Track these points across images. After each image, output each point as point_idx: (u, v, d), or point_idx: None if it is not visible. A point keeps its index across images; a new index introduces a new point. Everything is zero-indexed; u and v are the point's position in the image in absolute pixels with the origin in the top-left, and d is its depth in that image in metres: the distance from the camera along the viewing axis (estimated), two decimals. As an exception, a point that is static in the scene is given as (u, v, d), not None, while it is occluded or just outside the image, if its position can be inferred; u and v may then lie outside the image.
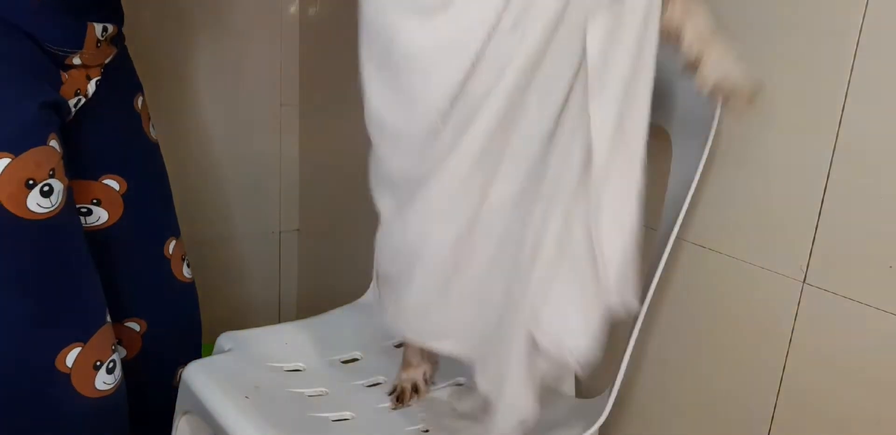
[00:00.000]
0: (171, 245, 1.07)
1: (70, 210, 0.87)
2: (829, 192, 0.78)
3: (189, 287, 1.12)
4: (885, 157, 0.74)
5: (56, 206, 0.84)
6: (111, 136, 0.97)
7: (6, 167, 0.80)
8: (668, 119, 0.90)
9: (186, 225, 1.62)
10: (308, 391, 0.99)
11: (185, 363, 1.12)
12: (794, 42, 0.80)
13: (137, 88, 1.02)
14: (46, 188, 0.83)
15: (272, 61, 1.63)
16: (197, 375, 0.97)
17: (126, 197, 0.99)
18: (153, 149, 1.04)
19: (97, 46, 0.90)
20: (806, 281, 0.81)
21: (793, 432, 0.84)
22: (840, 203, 0.78)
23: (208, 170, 1.62)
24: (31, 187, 0.81)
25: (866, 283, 0.76)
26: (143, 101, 1.03)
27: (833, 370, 0.80)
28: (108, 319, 0.93)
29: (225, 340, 1.07)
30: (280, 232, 1.77)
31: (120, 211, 1.00)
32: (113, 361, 0.93)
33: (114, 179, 0.98)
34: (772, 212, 0.84)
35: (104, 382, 0.92)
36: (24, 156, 0.81)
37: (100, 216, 0.99)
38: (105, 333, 0.92)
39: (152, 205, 1.04)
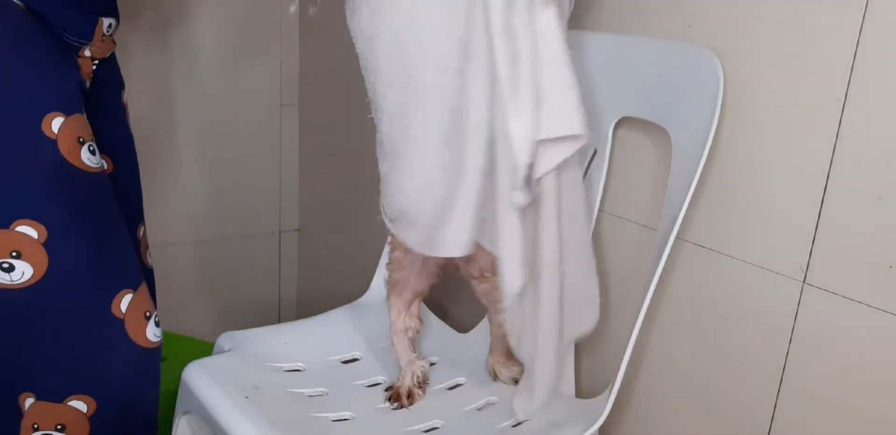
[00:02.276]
0: (142, 230, 1.12)
1: (103, 167, 0.95)
2: (829, 193, 0.78)
3: (151, 274, 1.15)
4: (885, 157, 0.74)
5: (100, 165, 0.93)
6: (102, 120, 1.03)
7: (63, 124, 0.89)
8: (668, 119, 0.90)
9: (187, 225, 1.63)
10: (308, 391, 0.99)
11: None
12: (794, 42, 0.80)
13: (122, 85, 1.09)
14: (92, 148, 0.92)
15: (272, 61, 1.63)
16: (197, 375, 0.97)
17: (112, 177, 1.03)
18: (132, 140, 1.11)
19: (102, 40, 0.97)
20: (806, 281, 0.81)
21: (793, 432, 0.84)
22: (840, 203, 0.78)
23: (208, 170, 1.62)
24: (81, 144, 0.90)
25: (866, 283, 0.76)
26: (126, 97, 1.11)
27: (833, 370, 0.80)
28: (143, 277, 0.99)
29: (225, 340, 1.07)
30: (280, 232, 1.77)
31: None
32: (157, 315, 0.98)
33: (104, 158, 1.02)
34: (772, 212, 0.84)
35: (154, 334, 0.96)
36: (72, 118, 0.90)
37: None
38: (146, 287, 0.97)
39: (130, 188, 1.10)
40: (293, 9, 1.63)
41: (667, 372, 0.97)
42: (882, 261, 0.74)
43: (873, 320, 0.76)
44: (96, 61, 0.99)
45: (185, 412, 1.00)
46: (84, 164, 0.90)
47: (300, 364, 1.04)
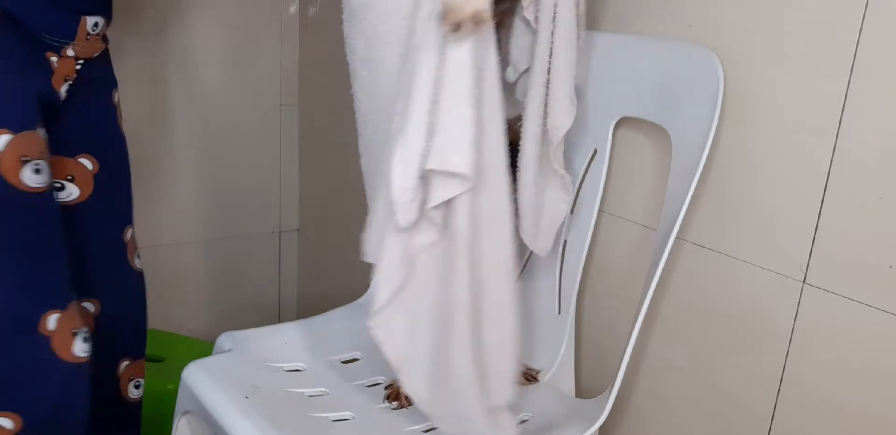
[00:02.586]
0: (129, 232, 1.11)
1: (52, 193, 0.94)
2: (829, 192, 0.78)
3: (140, 277, 1.14)
4: (885, 157, 0.74)
5: (44, 184, 0.90)
6: (91, 120, 1.02)
7: (8, 143, 0.87)
8: (668, 119, 0.90)
9: (187, 225, 1.63)
10: (308, 391, 0.99)
11: (129, 356, 1.13)
12: (794, 42, 0.80)
13: (115, 85, 1.07)
14: (37, 167, 0.89)
15: (272, 61, 1.63)
16: (197, 375, 0.97)
17: (97, 177, 1.03)
18: (123, 140, 1.09)
19: (87, 39, 0.96)
20: (806, 281, 0.81)
21: (793, 432, 0.84)
22: (840, 203, 0.78)
23: (208, 169, 1.62)
24: (24, 163, 0.88)
25: (866, 283, 0.76)
26: (118, 97, 1.09)
27: (833, 370, 0.80)
28: (74, 296, 0.97)
29: (225, 340, 1.07)
30: (280, 232, 1.77)
31: (90, 190, 1.04)
32: (86, 331, 0.96)
33: (88, 159, 1.02)
34: (772, 212, 0.84)
35: (81, 349, 0.95)
36: (20, 135, 0.88)
37: (71, 192, 1.03)
38: (76, 307, 0.96)
39: (118, 189, 1.08)
40: (293, 9, 1.63)
41: (667, 372, 0.97)
42: (882, 261, 0.74)
43: (873, 320, 0.76)
44: (80, 61, 0.97)
45: (185, 412, 1.00)
46: (24, 184, 0.88)
47: (300, 364, 1.04)
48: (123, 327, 1.12)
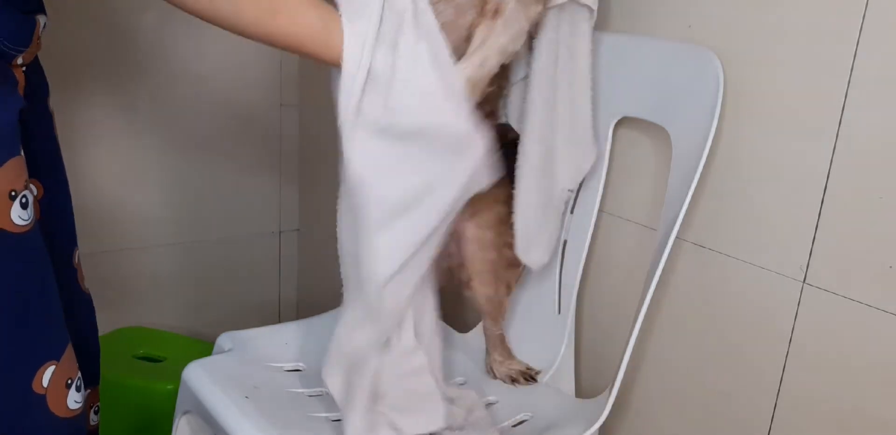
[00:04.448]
0: (76, 255, 1.00)
1: (37, 227, 0.83)
2: (829, 192, 0.78)
3: (89, 300, 1.04)
4: (885, 158, 0.74)
5: (31, 218, 0.80)
6: (32, 135, 0.89)
7: None
8: (668, 119, 0.90)
9: (187, 225, 1.63)
10: (308, 391, 0.99)
11: (90, 385, 1.04)
12: (794, 42, 0.80)
13: (47, 88, 0.93)
14: (24, 200, 0.79)
15: (272, 61, 1.63)
16: (197, 375, 0.97)
17: (42, 202, 0.91)
18: (59, 152, 0.96)
19: (37, 43, 0.85)
20: (806, 281, 0.81)
21: (793, 432, 0.84)
22: (840, 203, 0.78)
23: (208, 170, 1.62)
24: (13, 199, 0.77)
25: (866, 283, 0.76)
26: (52, 104, 0.96)
27: (833, 370, 0.80)
28: (69, 337, 0.89)
29: (225, 340, 1.07)
30: (280, 232, 1.77)
31: (36, 217, 0.91)
32: (80, 378, 0.89)
33: (33, 183, 0.89)
34: (772, 212, 0.84)
35: (75, 400, 0.88)
36: (5, 166, 0.76)
37: None
38: (71, 350, 0.88)
39: (62, 211, 0.97)
40: (293, 9, 1.62)
41: (667, 372, 0.97)
42: (882, 261, 0.74)
43: (873, 320, 0.76)
44: (24, 68, 0.84)
45: (185, 412, 1.00)
46: (13, 224, 0.77)
47: (300, 364, 1.04)
48: (81, 357, 1.01)
